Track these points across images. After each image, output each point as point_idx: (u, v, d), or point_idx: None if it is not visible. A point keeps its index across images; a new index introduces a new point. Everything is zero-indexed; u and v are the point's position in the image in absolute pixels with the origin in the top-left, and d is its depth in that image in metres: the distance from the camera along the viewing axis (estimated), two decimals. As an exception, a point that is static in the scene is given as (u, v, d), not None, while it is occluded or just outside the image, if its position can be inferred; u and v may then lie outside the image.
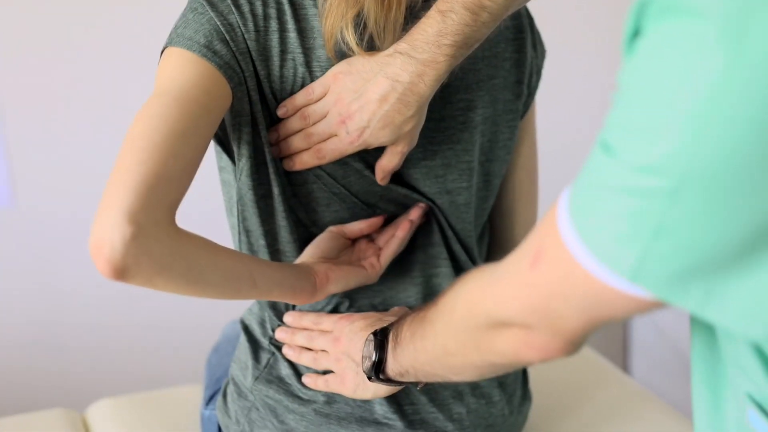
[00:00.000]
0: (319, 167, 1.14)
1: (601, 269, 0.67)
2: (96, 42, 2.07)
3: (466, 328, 0.87)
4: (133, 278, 0.92)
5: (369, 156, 1.15)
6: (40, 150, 2.11)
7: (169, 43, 1.08)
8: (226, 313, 1.91)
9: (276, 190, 1.13)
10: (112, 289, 2.20)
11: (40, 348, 2.22)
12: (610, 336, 2.69)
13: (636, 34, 0.64)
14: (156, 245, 0.91)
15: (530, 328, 0.78)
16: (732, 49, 0.56)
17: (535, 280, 0.74)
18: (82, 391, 2.16)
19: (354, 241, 1.20)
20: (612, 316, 0.72)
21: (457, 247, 1.23)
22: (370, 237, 1.21)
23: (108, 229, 0.89)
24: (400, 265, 1.22)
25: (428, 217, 1.22)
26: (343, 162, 1.15)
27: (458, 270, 1.22)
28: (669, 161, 0.60)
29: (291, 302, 1.13)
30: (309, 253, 1.16)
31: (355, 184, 1.17)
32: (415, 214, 1.19)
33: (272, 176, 1.13)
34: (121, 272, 0.91)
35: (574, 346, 0.78)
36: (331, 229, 1.18)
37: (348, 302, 1.21)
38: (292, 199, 1.16)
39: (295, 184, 1.15)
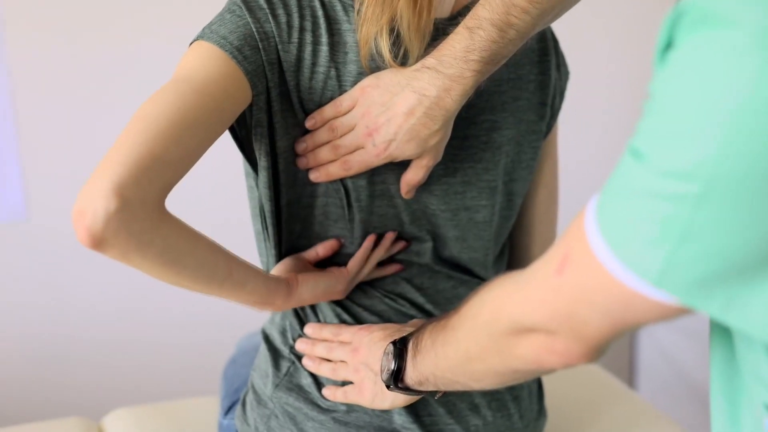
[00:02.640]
0: (339, 181, 1.16)
1: (627, 274, 0.68)
2: (113, 55, 2.09)
3: (489, 333, 0.88)
4: (109, 250, 0.93)
5: (389, 175, 1.18)
6: (53, 164, 2.12)
7: (201, 36, 1.09)
8: (241, 327, 1.93)
9: (283, 202, 1.16)
10: (128, 302, 2.21)
11: (58, 359, 2.23)
12: (616, 359, 2.70)
13: (669, 45, 0.66)
14: (136, 222, 0.92)
15: (554, 334, 0.79)
16: (765, 58, 0.58)
17: (560, 285, 0.75)
18: (99, 400, 2.17)
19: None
20: (637, 322, 0.73)
21: (444, 270, 1.26)
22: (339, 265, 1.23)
23: (93, 198, 0.90)
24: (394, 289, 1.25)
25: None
26: (362, 177, 1.17)
27: (468, 289, 1.24)
28: (698, 166, 0.61)
29: (265, 305, 1.14)
30: (275, 271, 1.19)
31: (365, 203, 1.18)
32: (387, 238, 1.22)
33: (282, 188, 1.15)
34: (99, 242, 0.92)
35: (596, 352, 0.78)
36: (293, 255, 1.21)
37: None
38: (300, 210, 1.18)
39: (306, 195, 1.17)
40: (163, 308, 2.25)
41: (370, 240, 1.21)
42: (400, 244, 1.24)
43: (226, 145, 1.19)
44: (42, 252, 2.19)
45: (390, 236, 1.22)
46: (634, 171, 0.66)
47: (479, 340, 0.90)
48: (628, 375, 2.73)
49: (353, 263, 1.20)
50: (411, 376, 1.06)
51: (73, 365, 2.25)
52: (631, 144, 0.67)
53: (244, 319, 1.86)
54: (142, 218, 0.93)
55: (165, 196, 0.96)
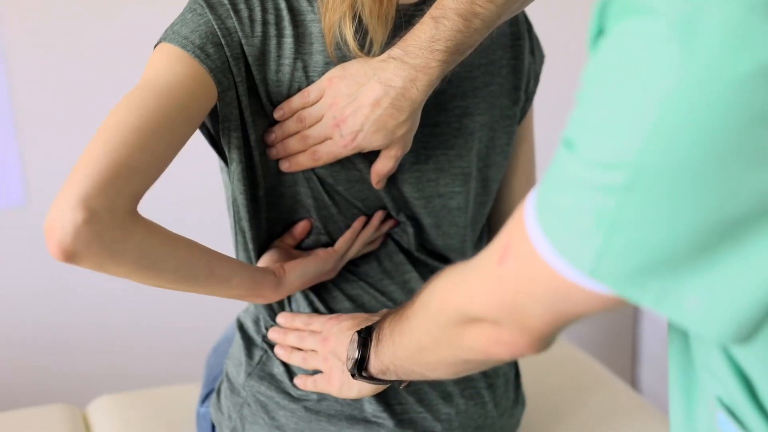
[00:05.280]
0: (312, 170, 1.16)
1: (563, 265, 0.67)
2: (111, 42, 2.09)
3: (439, 323, 0.87)
4: (82, 262, 0.94)
5: (362, 161, 1.18)
6: (52, 150, 2.13)
7: (164, 39, 1.09)
8: (228, 313, 1.93)
9: (260, 192, 1.16)
10: (116, 288, 2.22)
11: (44, 345, 2.24)
12: (618, 347, 2.69)
13: (600, 33, 0.65)
14: (107, 232, 0.93)
15: (499, 324, 0.78)
16: (684, 47, 0.57)
17: (502, 276, 0.74)
18: (84, 387, 2.18)
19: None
20: (577, 312, 0.72)
21: (422, 257, 1.26)
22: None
23: (61, 212, 0.91)
24: (376, 270, 1.25)
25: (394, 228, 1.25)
26: (336, 166, 1.17)
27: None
28: (624, 156, 0.60)
29: (255, 297, 1.14)
30: (261, 263, 1.19)
31: (343, 187, 1.19)
32: (375, 218, 1.22)
33: (259, 179, 1.15)
34: (71, 255, 0.92)
35: (542, 343, 0.78)
36: (274, 246, 1.21)
37: (326, 310, 1.23)
38: (280, 199, 1.18)
39: (285, 185, 1.17)
40: (151, 296, 2.26)
41: (360, 221, 1.21)
42: (390, 223, 1.24)
43: (204, 142, 1.19)
44: (40, 239, 2.19)
45: (379, 215, 1.22)
46: (567, 161, 0.66)
47: (430, 330, 0.90)
48: (631, 363, 2.72)
49: (341, 242, 1.21)
50: (374, 366, 1.06)
51: (60, 352, 2.26)
52: (564, 134, 0.67)
53: (231, 306, 1.85)
54: (113, 227, 0.93)
55: (136, 203, 0.97)
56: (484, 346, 0.82)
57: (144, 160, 0.97)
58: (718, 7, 0.56)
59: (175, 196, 2.12)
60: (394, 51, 1.08)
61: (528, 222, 0.70)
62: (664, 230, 0.62)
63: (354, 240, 1.21)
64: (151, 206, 1.11)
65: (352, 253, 1.22)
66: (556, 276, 0.68)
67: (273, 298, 1.16)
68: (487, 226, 1.35)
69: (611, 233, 0.63)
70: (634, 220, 0.62)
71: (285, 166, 1.16)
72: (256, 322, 1.26)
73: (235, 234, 1.21)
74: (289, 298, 1.24)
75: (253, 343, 1.25)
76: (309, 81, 1.13)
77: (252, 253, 1.20)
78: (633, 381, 2.70)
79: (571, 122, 0.66)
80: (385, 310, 1.19)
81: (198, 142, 1.15)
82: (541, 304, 0.73)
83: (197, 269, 1.03)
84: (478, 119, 1.21)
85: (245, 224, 1.18)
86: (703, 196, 0.60)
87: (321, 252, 1.20)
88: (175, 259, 1.01)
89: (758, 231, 0.60)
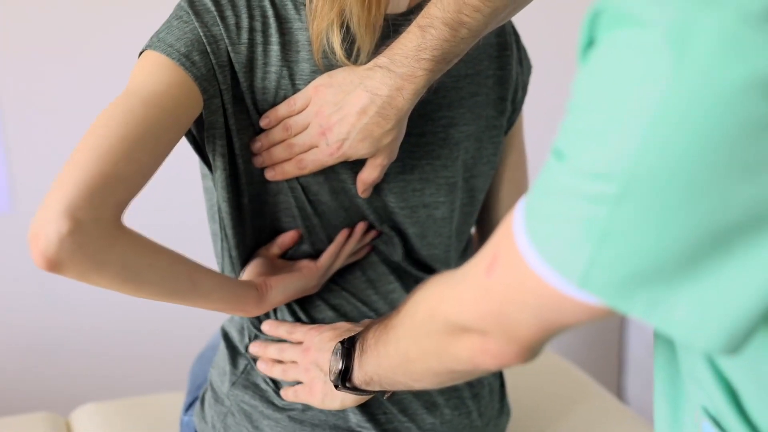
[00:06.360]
0: (297, 179, 1.16)
1: (552, 275, 0.67)
2: (98, 46, 2.09)
3: (426, 332, 0.87)
4: (66, 271, 0.93)
5: (347, 171, 1.17)
6: (39, 155, 2.12)
7: (149, 46, 1.09)
8: (214, 321, 1.92)
9: (245, 200, 1.15)
10: (101, 296, 2.20)
11: (27, 352, 2.23)
12: (604, 355, 2.69)
13: (590, 44, 0.65)
14: (91, 242, 0.92)
15: (486, 334, 0.78)
16: (676, 56, 0.57)
17: (490, 286, 0.74)
18: (67, 395, 2.16)
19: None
20: (565, 322, 0.72)
21: (407, 267, 1.25)
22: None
23: (46, 221, 0.91)
24: (360, 280, 1.24)
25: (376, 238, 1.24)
26: (320, 175, 1.16)
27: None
28: (615, 167, 0.60)
29: (236, 312, 1.14)
30: (245, 276, 1.19)
31: (327, 197, 1.18)
32: (358, 229, 1.21)
33: (243, 187, 1.14)
34: (54, 265, 0.92)
35: (530, 353, 0.77)
36: (259, 255, 1.20)
37: (307, 320, 1.22)
38: (264, 207, 1.18)
39: (270, 193, 1.17)
40: (136, 302, 2.23)
41: (343, 234, 1.21)
42: (373, 233, 1.23)
43: (183, 147, 1.18)
44: (25, 246, 2.17)
45: (361, 227, 1.22)
46: (556, 171, 0.66)
47: (417, 339, 0.90)
48: (617, 372, 2.72)
49: (325, 258, 1.20)
50: (358, 376, 1.06)
51: (44, 359, 2.24)
52: (554, 144, 0.67)
53: (217, 315, 1.85)
54: (97, 238, 0.93)
55: (120, 213, 0.96)
56: (471, 356, 0.81)
57: (130, 169, 0.96)
58: (711, 18, 0.56)
59: (158, 203, 2.11)
60: (381, 59, 1.08)
61: (516, 231, 0.70)
62: (655, 240, 0.61)
63: (338, 254, 1.20)
64: (135, 213, 1.10)
65: (336, 267, 1.22)
66: (544, 286, 0.68)
67: (255, 312, 1.15)
68: (473, 236, 1.34)
69: (601, 243, 0.63)
70: (625, 230, 0.62)
71: (270, 175, 1.15)
72: (241, 331, 1.25)
73: (221, 240, 1.21)
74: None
75: (237, 352, 1.24)
76: (295, 89, 1.12)
77: (235, 261, 1.19)
78: (619, 391, 2.70)
79: (561, 132, 0.66)
80: (367, 320, 1.19)
81: (181, 148, 1.15)
82: (528, 314, 0.73)
83: (179, 282, 1.03)
84: (464, 129, 1.21)
85: (229, 232, 1.17)
86: (695, 205, 0.59)
87: (305, 268, 1.19)
88: (158, 271, 1.00)
89: (750, 240, 0.60)
